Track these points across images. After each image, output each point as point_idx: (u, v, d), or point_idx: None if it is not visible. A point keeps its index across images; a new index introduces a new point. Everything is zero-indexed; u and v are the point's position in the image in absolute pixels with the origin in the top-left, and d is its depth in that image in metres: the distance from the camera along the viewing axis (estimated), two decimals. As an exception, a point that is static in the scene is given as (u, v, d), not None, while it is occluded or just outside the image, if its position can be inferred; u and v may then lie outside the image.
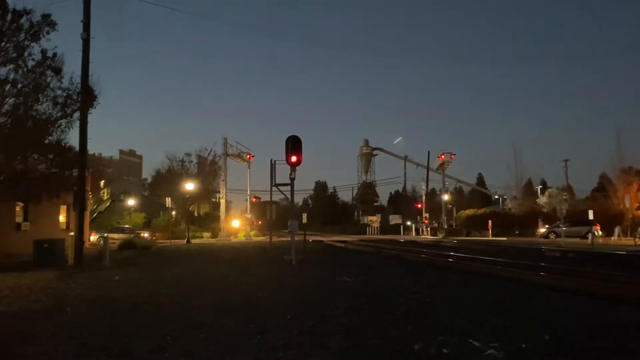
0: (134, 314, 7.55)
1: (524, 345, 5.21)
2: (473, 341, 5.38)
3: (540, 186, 65.08)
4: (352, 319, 6.81)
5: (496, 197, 74.42)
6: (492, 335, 5.62)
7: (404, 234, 64.24)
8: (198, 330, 6.15)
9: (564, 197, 47.73)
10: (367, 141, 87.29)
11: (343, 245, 34.33)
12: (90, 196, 36.09)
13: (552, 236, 40.48)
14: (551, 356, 4.85)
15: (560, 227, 34.28)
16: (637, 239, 30.78)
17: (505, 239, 44.70)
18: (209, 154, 52.91)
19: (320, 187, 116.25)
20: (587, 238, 33.38)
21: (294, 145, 16.58)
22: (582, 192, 70.22)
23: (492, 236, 49.29)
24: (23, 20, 16.83)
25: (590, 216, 32.49)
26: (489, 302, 8.26)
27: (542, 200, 55.85)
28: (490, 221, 51.66)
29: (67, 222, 28.56)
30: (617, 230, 36.58)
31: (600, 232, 37.98)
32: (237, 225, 54.03)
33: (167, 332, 6.07)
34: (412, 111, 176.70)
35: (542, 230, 43.73)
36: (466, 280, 11.67)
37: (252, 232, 52.41)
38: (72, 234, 18.09)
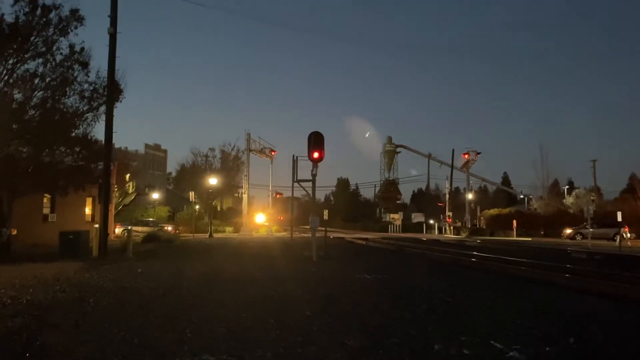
0: (155, 306, 7.61)
1: (547, 349, 5.10)
2: (495, 343, 5.29)
3: (567, 186, 63.91)
4: (371, 316, 6.75)
5: (521, 196, 73.30)
6: (514, 337, 5.52)
7: (426, 232, 63.71)
8: (218, 324, 6.16)
9: (591, 197, 46.75)
10: (390, 138, 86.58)
11: (364, 242, 34.22)
12: (116, 189, 36.67)
13: (578, 237, 39.70)
14: (576, 360, 4.73)
15: (587, 228, 33.59)
16: (667, 242, 29.98)
17: (530, 239, 44.03)
18: (232, 149, 53.47)
19: (342, 183, 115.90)
20: (614, 240, 32.63)
21: (316, 141, 16.55)
22: (610, 193, 68.87)
23: (517, 236, 48.58)
24: (52, 15, 17.10)
25: (619, 218, 31.75)
26: (512, 303, 8.11)
27: (569, 200, 54.84)
28: (514, 221, 50.90)
29: (92, 214, 29.06)
30: (646, 232, 35.72)
31: (629, 235, 37.12)
32: (262, 219, 54.20)
33: (187, 325, 6.10)
34: (437, 108, 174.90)
35: (568, 231, 42.92)
36: (489, 281, 11.48)
37: (274, 228, 52.60)
38: (96, 226, 18.37)
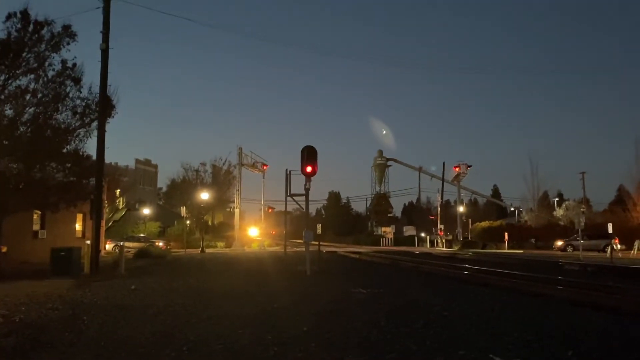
0: (151, 323, 7.53)
1: (547, 362, 5.10)
2: (494, 356, 5.28)
3: (557, 198, 64.40)
4: (369, 331, 6.72)
5: (512, 209, 73.77)
6: (513, 351, 5.52)
7: (418, 245, 63.70)
8: (215, 342, 6.11)
9: (581, 209, 47.05)
10: (381, 152, 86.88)
11: (357, 256, 34.17)
12: (106, 205, 36.33)
13: (569, 249, 39.91)
14: (576, 373, 4.73)
15: (577, 240, 33.75)
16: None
17: (521, 251, 44.19)
18: (223, 164, 53.33)
19: (334, 197, 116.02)
20: (605, 251, 32.78)
21: (309, 155, 16.58)
22: (599, 204, 69.50)
23: (509, 249, 48.75)
24: (44, 31, 17.04)
25: (610, 229, 31.95)
26: (508, 316, 8.11)
27: (559, 212, 55.28)
28: (506, 233, 51.12)
29: (83, 231, 28.76)
30: (637, 244, 35.92)
31: (619, 246, 37.34)
32: (256, 233, 53.78)
33: (184, 342, 6.05)
34: (427, 121, 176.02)
35: (560, 243, 43.14)
36: (484, 293, 11.49)
37: (266, 242, 52.37)
38: (88, 242, 18.20)
